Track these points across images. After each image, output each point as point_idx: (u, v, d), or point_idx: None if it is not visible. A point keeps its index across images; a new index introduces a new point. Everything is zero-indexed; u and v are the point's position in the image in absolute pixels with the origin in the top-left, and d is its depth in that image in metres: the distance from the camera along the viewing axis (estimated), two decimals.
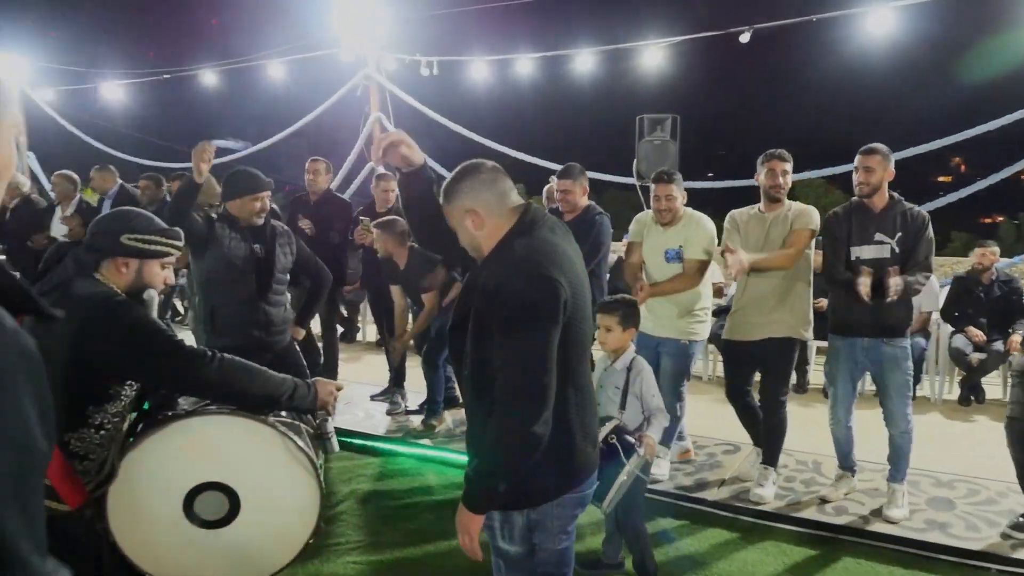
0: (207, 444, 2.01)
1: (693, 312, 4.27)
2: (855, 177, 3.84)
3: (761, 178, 4.03)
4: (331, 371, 5.85)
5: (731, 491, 4.22)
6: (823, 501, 4.07)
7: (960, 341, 5.95)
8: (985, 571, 3.48)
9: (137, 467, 1.94)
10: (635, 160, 8.14)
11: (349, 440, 5.14)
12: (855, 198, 3.93)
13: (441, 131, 10.72)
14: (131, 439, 2.00)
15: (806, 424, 5.02)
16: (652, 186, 4.27)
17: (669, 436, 4.36)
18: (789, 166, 4.02)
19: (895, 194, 3.87)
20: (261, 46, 11.61)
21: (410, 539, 3.80)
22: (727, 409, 4.42)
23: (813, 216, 3.99)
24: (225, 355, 2.01)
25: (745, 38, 7.03)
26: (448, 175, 2.10)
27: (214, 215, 3.86)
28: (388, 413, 5.58)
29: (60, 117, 13.59)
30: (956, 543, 3.61)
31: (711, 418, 5.23)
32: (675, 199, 4.21)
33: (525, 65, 8.93)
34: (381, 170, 6.16)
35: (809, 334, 4.14)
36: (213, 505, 1.96)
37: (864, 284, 3.59)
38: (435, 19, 10.01)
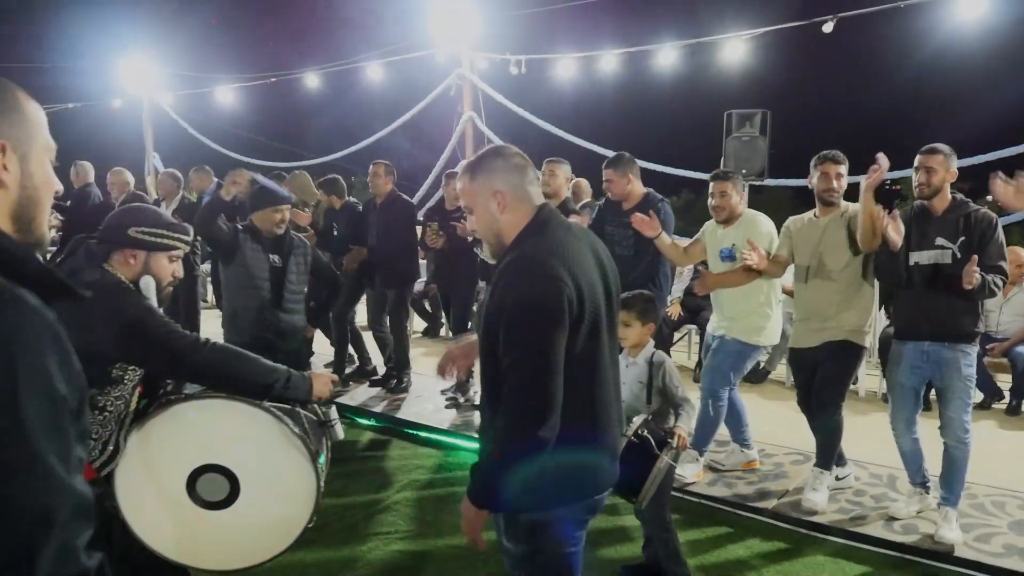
0: (207, 427, 2.11)
1: (758, 313, 4.15)
2: (915, 178, 3.64)
3: (814, 181, 3.90)
4: (402, 367, 6.02)
5: (791, 502, 4.05)
6: (891, 519, 3.84)
7: None
8: None
9: (143, 448, 2.06)
10: (722, 157, 7.91)
11: (415, 432, 5.27)
12: (917, 201, 3.72)
13: (531, 130, 10.76)
14: (136, 420, 2.12)
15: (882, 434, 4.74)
16: (710, 184, 4.16)
17: (703, 440, 4.24)
18: (844, 168, 3.86)
19: (959, 195, 3.63)
20: (359, 50, 11.98)
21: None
22: (801, 417, 4.24)
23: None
24: (217, 343, 2.11)
25: (828, 27, 6.69)
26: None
27: (239, 225, 4.15)
28: (449, 406, 5.68)
29: (181, 119, 14.53)
30: None
31: (784, 424, 5.03)
32: (730, 197, 4.13)
33: (610, 62, 8.83)
34: (451, 169, 6.30)
35: (868, 340, 3.96)
36: (214, 487, 2.05)
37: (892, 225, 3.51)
38: (523, 18, 10.06)
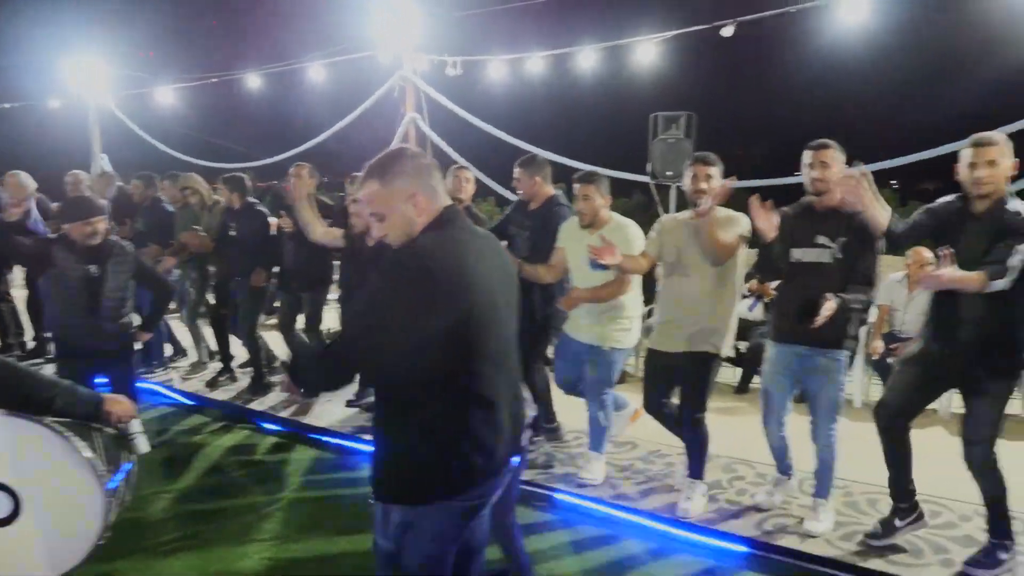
0: None
1: (617, 319, 4.16)
2: (809, 173, 3.56)
3: (686, 182, 3.87)
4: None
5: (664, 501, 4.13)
6: (757, 509, 3.95)
7: None
8: None
9: None
10: (648, 160, 7.98)
11: (317, 436, 5.31)
12: (805, 197, 3.73)
13: (474, 131, 10.78)
14: None
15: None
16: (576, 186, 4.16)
17: (599, 443, 4.29)
18: (715, 170, 3.79)
19: None
20: (304, 50, 11.94)
21: (338, 533, 3.89)
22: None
23: (742, 221, 3.77)
24: None
25: (728, 31, 6.77)
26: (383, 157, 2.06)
27: (53, 236, 4.29)
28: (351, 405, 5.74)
29: (129, 120, 14.37)
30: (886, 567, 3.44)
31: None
32: (593, 200, 4.08)
33: (537, 64, 8.89)
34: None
35: (727, 348, 3.96)
36: None
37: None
38: (459, 19, 10.07)
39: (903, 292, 6.08)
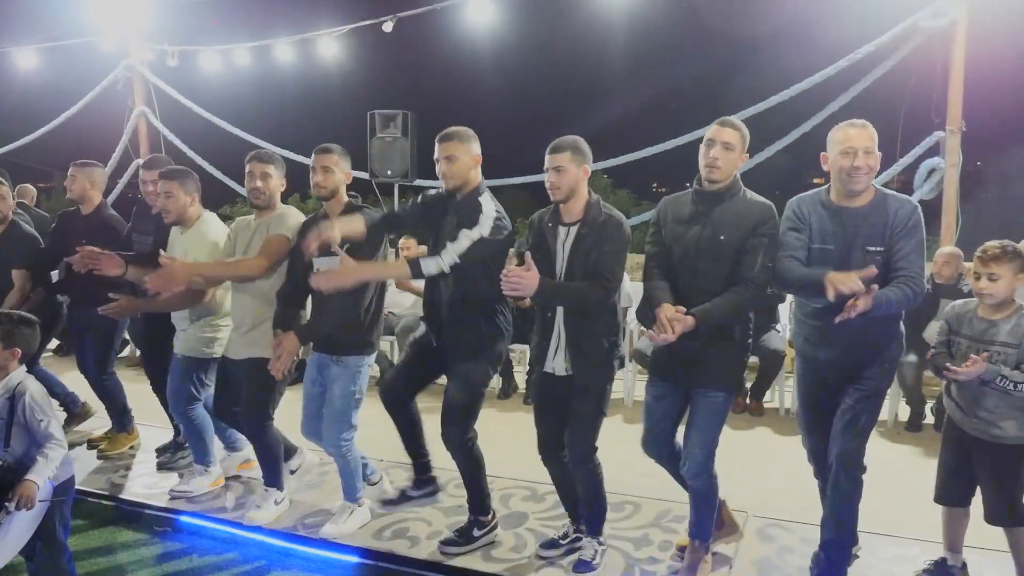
0: None
1: (205, 327, 3.94)
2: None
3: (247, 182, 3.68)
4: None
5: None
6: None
7: None
8: None
9: None
10: (368, 158, 7.81)
11: None
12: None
13: (208, 125, 10.15)
14: None
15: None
16: None
17: (203, 455, 4.09)
18: (270, 168, 3.64)
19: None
20: (11, 33, 10.73)
21: None
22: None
23: (288, 219, 3.64)
24: None
25: (388, 27, 6.79)
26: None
27: None
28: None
29: None
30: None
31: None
32: (176, 198, 3.81)
33: (244, 55, 8.52)
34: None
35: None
36: None
37: None
38: (180, 6, 9.43)
39: None
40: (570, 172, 3.02)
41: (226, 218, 4.32)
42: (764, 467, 4.52)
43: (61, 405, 5.01)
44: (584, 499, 3.34)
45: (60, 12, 10.49)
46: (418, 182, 7.99)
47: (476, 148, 3.24)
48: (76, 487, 3.13)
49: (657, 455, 3.25)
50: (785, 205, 3.09)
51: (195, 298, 3.78)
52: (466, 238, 3.06)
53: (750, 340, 3.11)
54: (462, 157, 3.17)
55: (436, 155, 3.20)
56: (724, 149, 2.89)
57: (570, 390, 3.15)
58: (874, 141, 2.88)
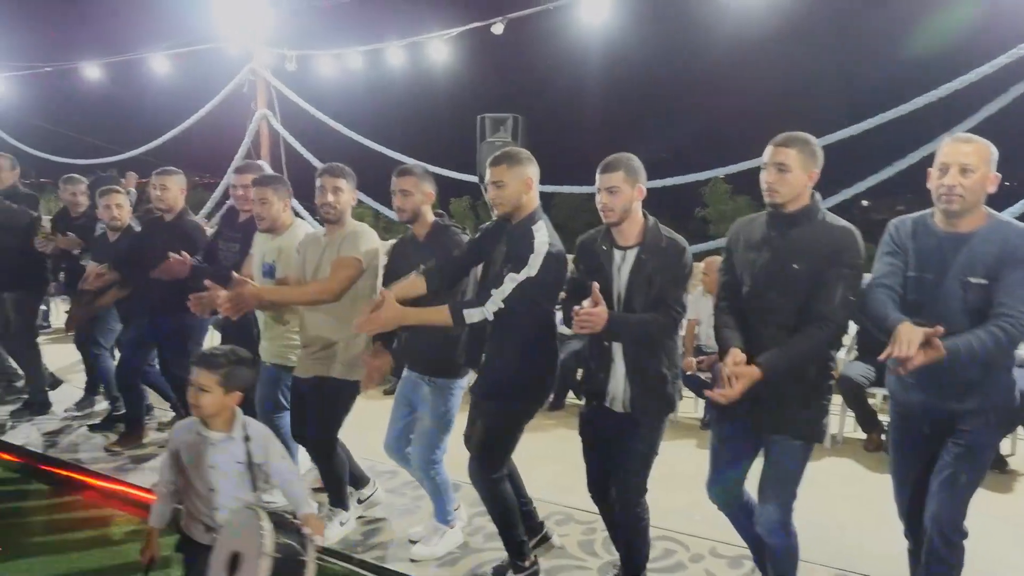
0: None
1: (286, 335, 3.83)
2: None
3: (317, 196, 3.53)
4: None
5: None
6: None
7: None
8: None
9: None
10: (477, 163, 7.67)
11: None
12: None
13: (324, 128, 10.34)
14: None
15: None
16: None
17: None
18: (341, 182, 3.48)
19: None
20: (146, 40, 11.29)
21: None
22: None
23: (361, 241, 3.46)
24: None
25: (498, 29, 6.53)
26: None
27: None
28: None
29: None
30: None
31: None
32: (268, 202, 3.70)
33: (356, 59, 8.54)
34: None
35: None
36: None
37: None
38: (301, 12, 9.61)
39: (708, 305, 5.91)
40: (624, 193, 2.78)
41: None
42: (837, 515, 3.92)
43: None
44: (623, 543, 3.11)
45: (190, 19, 10.94)
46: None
47: (529, 171, 2.97)
48: None
49: (723, 503, 2.94)
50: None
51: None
52: (511, 282, 2.83)
53: (831, 383, 2.74)
54: (511, 183, 2.94)
55: (486, 179, 2.99)
56: (779, 171, 2.58)
57: (623, 424, 2.90)
58: (981, 159, 2.46)
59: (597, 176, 2.81)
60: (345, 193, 3.48)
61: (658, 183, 7.49)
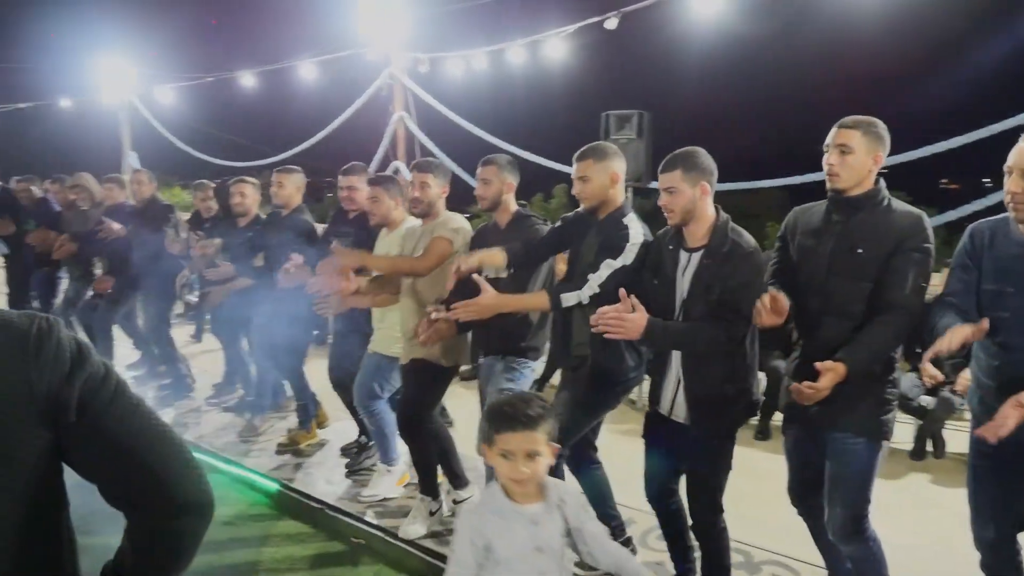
0: None
1: (396, 326, 3.96)
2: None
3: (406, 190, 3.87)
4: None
5: None
6: None
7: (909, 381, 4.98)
8: None
9: None
10: None
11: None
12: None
13: (459, 130, 10.64)
14: None
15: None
16: None
17: (386, 452, 4.15)
18: (428, 177, 3.62)
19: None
20: (290, 49, 12.04)
21: None
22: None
23: (452, 223, 3.64)
24: None
25: (612, 24, 6.36)
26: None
27: None
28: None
29: (153, 119, 14.82)
30: None
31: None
32: (379, 200, 3.92)
33: (482, 60, 8.67)
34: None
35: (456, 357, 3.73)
36: None
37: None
38: (448, 16, 9.90)
39: None
40: (683, 193, 2.65)
41: (472, 218, 4.42)
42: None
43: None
44: (703, 552, 2.96)
45: (333, 28, 11.56)
46: (653, 184, 7.68)
47: (615, 165, 3.00)
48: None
49: (801, 508, 2.80)
50: None
51: (391, 300, 3.91)
52: (608, 267, 2.86)
53: (893, 376, 2.52)
54: (596, 177, 2.99)
55: (572, 174, 3.03)
56: (840, 153, 2.46)
57: (686, 437, 2.77)
58: None
59: (659, 175, 2.72)
60: (432, 188, 3.65)
61: (797, 179, 7.17)
